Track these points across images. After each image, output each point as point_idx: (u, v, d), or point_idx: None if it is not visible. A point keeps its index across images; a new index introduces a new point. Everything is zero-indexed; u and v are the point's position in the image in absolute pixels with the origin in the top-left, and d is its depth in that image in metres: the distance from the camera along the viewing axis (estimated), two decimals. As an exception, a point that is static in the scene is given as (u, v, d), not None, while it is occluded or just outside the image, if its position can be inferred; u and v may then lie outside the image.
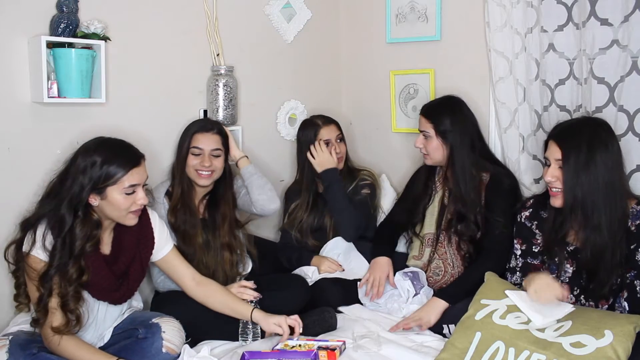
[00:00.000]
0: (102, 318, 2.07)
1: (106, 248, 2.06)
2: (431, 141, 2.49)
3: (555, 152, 1.98)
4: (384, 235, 2.70)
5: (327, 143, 2.79)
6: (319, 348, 2.04)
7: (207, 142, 2.44)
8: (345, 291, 2.50)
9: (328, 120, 2.84)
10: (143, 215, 2.12)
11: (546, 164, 2.04)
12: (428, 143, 2.50)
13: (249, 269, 2.60)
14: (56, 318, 1.88)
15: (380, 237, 2.69)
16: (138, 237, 2.10)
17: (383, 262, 2.51)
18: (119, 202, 1.94)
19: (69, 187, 1.91)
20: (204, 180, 2.45)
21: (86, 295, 1.99)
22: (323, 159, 2.73)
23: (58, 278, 1.88)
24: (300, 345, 2.07)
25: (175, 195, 2.45)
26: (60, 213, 1.90)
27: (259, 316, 2.15)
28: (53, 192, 1.96)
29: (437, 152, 2.49)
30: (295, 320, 2.15)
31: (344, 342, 2.11)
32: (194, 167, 2.43)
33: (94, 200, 1.94)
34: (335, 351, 2.03)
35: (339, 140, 2.82)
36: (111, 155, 1.94)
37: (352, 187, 2.80)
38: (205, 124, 2.49)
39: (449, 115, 2.49)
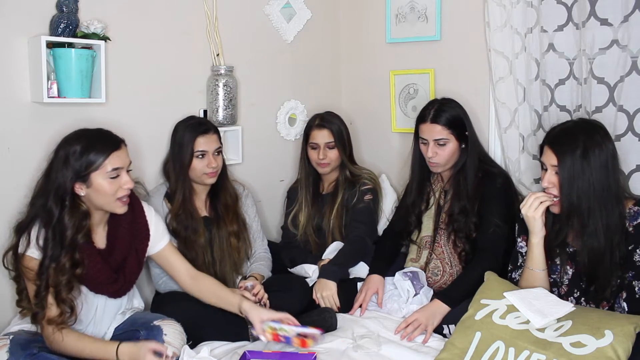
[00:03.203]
0: (101, 314, 2.08)
1: (101, 242, 2.07)
2: (446, 147, 2.42)
3: (551, 159, 1.97)
4: (385, 248, 2.66)
5: (315, 147, 2.78)
6: (298, 335, 2.04)
7: (209, 143, 2.45)
8: (344, 290, 2.49)
9: (323, 125, 2.77)
10: (138, 209, 2.14)
11: (543, 167, 2.04)
12: (442, 150, 2.43)
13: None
14: (51, 311, 1.90)
15: (381, 250, 2.66)
16: (133, 230, 2.11)
17: (374, 280, 2.49)
18: (104, 187, 1.95)
19: (53, 180, 1.93)
20: (212, 179, 2.49)
21: (85, 290, 2.00)
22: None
23: (53, 270, 1.90)
24: (281, 329, 2.05)
25: (177, 202, 2.44)
26: (48, 206, 1.92)
27: (248, 307, 2.11)
28: (40, 190, 1.98)
29: (452, 157, 2.45)
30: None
31: (322, 332, 2.10)
32: (201, 171, 2.45)
33: (81, 190, 1.95)
34: (308, 339, 2.02)
35: (329, 148, 2.76)
36: (91, 142, 1.95)
37: (355, 194, 2.76)
38: (203, 126, 2.47)
39: (463, 116, 2.47)
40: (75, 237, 1.94)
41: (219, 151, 2.49)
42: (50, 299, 1.90)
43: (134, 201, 2.11)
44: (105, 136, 2.01)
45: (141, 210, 2.16)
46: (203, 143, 2.44)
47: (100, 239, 2.07)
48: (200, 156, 2.44)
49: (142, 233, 2.15)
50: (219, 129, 2.64)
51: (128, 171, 2.02)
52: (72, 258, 1.93)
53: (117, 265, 2.06)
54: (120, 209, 2.02)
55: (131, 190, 2.04)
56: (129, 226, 2.10)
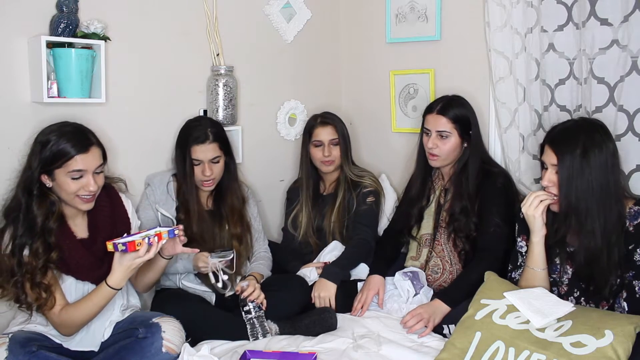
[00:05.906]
0: None
1: (82, 232, 2.08)
2: (448, 141, 2.43)
3: (551, 158, 1.97)
4: (385, 248, 2.66)
5: (319, 144, 2.78)
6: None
7: (205, 153, 2.43)
8: (345, 291, 2.49)
9: (326, 122, 2.80)
10: (116, 201, 2.16)
11: (543, 167, 2.04)
12: (443, 143, 2.44)
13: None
14: (29, 297, 1.94)
15: (382, 250, 2.66)
16: (113, 217, 2.13)
17: (375, 281, 2.49)
18: (66, 185, 1.96)
19: (26, 168, 1.97)
20: (209, 187, 2.49)
21: (72, 280, 2.03)
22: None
23: (27, 256, 1.92)
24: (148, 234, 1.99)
25: (181, 196, 2.47)
26: (18, 197, 1.96)
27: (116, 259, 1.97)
28: (18, 176, 2.01)
29: (453, 152, 2.46)
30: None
31: (177, 228, 2.06)
32: (199, 178, 2.45)
33: (48, 182, 1.97)
34: (163, 232, 1.99)
35: (333, 144, 2.77)
36: (62, 138, 1.96)
37: (357, 196, 2.76)
38: (201, 135, 2.43)
39: (469, 113, 2.48)
40: (45, 222, 1.95)
41: (216, 160, 2.45)
42: (27, 286, 1.92)
43: (111, 194, 2.14)
44: (77, 136, 1.99)
45: (120, 201, 2.19)
46: (198, 152, 2.43)
47: (80, 229, 2.08)
48: (197, 164, 2.44)
49: (123, 221, 2.17)
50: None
51: (99, 172, 2.01)
52: (45, 242, 1.94)
53: (101, 254, 2.06)
54: (82, 205, 2.02)
55: (109, 184, 2.08)
56: (110, 215, 2.12)
